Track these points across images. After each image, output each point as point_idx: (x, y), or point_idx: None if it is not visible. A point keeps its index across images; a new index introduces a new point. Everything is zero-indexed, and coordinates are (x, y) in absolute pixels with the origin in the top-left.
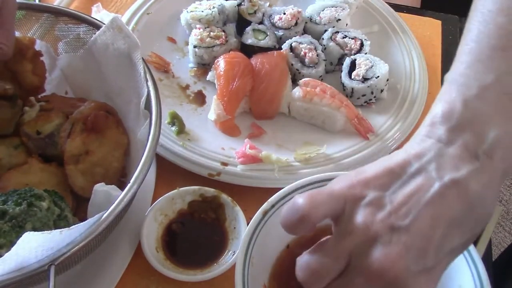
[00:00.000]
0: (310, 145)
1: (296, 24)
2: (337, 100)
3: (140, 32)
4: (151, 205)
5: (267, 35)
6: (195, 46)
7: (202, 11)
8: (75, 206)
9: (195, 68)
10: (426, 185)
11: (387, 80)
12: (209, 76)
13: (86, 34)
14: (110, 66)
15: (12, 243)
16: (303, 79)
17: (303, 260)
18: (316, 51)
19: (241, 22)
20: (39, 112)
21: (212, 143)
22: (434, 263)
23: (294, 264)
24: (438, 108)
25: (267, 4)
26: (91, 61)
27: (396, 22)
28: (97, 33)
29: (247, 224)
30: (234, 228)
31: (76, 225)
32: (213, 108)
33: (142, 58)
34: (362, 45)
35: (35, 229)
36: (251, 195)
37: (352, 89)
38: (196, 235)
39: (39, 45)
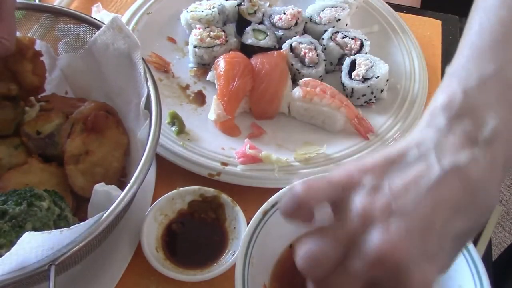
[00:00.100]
0: (310, 145)
1: (296, 24)
2: (337, 100)
3: (140, 32)
4: (151, 205)
5: (267, 35)
6: (195, 46)
7: (202, 11)
8: (75, 206)
9: (195, 68)
10: (426, 170)
11: (387, 80)
12: (209, 76)
13: (86, 34)
14: (110, 66)
15: (12, 243)
16: (303, 79)
17: (302, 248)
18: (316, 51)
19: (241, 22)
20: (39, 112)
21: (212, 143)
22: (437, 250)
23: None
24: (438, 99)
25: (267, 4)
26: (91, 61)
27: (396, 22)
28: (97, 33)
29: (247, 224)
30: (234, 228)
31: (76, 225)
32: (213, 108)
33: (142, 58)
34: (362, 45)
35: (35, 229)
36: (251, 195)
37: (352, 89)
38: (196, 235)
39: (39, 45)
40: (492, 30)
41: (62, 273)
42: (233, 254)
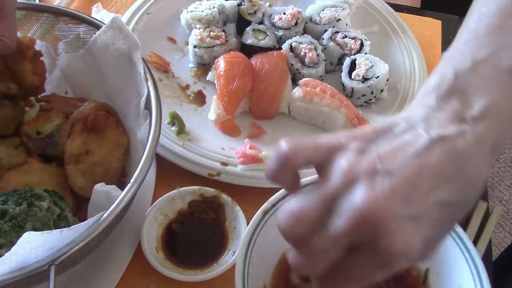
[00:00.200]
0: None
1: (296, 24)
2: (337, 100)
3: (140, 32)
4: (151, 205)
5: (267, 35)
6: (195, 46)
7: (202, 11)
8: (75, 206)
9: (195, 68)
10: (413, 139)
11: (387, 80)
12: (209, 76)
13: (86, 34)
14: (110, 66)
15: (12, 243)
16: (303, 79)
17: (283, 208)
18: (316, 51)
19: (241, 22)
20: (39, 112)
21: (212, 143)
22: (422, 211)
23: None
24: (431, 81)
25: (267, 4)
26: (91, 61)
27: (396, 22)
28: (97, 33)
29: (247, 224)
30: (234, 228)
31: (76, 225)
32: (213, 108)
33: (142, 58)
34: (362, 45)
35: (35, 229)
36: (251, 195)
37: (352, 89)
38: (196, 235)
39: (39, 45)
40: (489, 16)
41: (62, 273)
42: (233, 254)
